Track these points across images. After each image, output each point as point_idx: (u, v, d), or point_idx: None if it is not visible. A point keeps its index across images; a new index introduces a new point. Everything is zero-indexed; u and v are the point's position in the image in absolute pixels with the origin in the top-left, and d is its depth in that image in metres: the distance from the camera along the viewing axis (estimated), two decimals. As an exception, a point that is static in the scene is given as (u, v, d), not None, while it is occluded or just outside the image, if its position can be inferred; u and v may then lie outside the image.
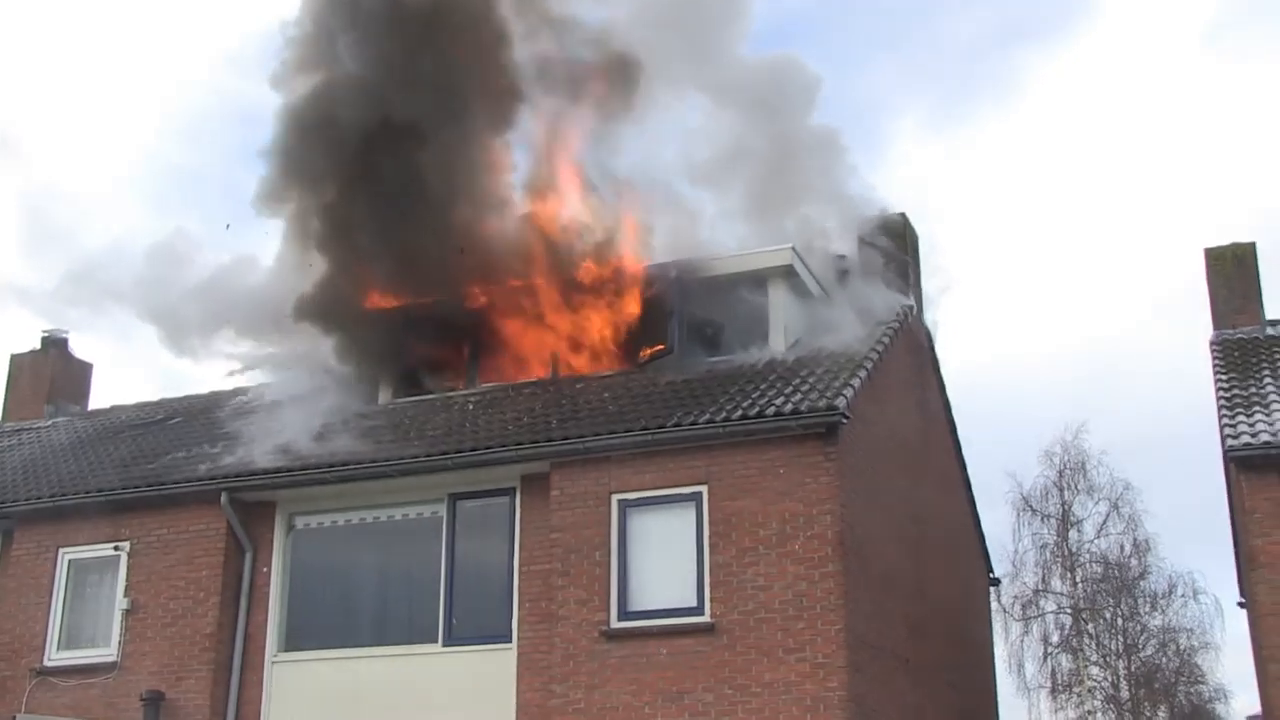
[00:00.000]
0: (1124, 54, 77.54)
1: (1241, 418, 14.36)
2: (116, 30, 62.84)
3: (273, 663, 15.87)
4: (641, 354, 17.43)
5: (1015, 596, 33.55)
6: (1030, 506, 33.57)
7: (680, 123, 20.03)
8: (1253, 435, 13.85)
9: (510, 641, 14.75)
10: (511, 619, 14.82)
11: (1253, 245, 18.61)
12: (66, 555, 16.97)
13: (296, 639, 16.01)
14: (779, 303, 17.13)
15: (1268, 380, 15.56)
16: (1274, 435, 13.76)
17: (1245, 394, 15.14)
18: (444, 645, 15.13)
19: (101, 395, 24.57)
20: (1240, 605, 19.54)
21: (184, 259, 20.23)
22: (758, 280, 17.26)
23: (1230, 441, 13.88)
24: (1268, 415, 14.34)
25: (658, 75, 18.78)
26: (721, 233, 18.84)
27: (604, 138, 19.16)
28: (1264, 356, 16.51)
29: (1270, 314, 18.16)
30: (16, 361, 23.62)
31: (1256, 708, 17.87)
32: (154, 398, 22.61)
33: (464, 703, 14.73)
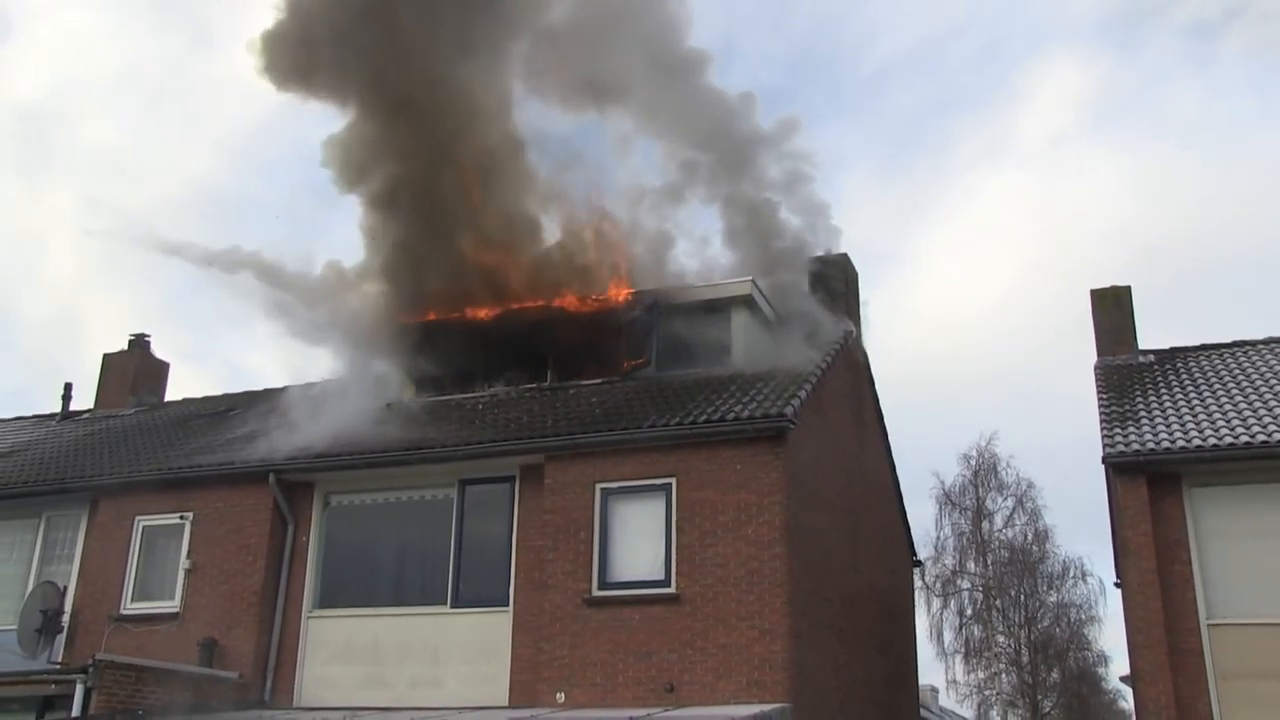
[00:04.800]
0: (1034, 132, 77.83)
1: (1118, 431, 14.45)
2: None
3: (308, 618, 15.86)
4: (624, 366, 17.46)
5: (937, 576, 33.75)
6: (950, 500, 33.76)
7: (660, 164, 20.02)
8: (1126, 445, 13.97)
9: (507, 605, 14.71)
10: (509, 586, 14.79)
11: (1129, 288, 18.65)
12: (141, 522, 16.98)
13: (329, 598, 15.98)
14: (739, 326, 17.16)
15: (1139, 400, 15.66)
16: (1143, 445, 13.90)
17: (1121, 410, 15.22)
18: (452, 607, 15.10)
19: (176, 389, 24.61)
20: (1116, 585, 19.60)
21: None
22: (722, 307, 17.29)
23: (1109, 449, 13.96)
24: (1139, 429, 14.47)
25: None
26: (692, 263, 18.92)
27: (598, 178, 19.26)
28: (1137, 380, 16.59)
29: (1143, 345, 18.24)
30: (107, 360, 23.61)
31: (1128, 670, 17.98)
32: (218, 393, 22.69)
33: (467, 656, 14.74)
